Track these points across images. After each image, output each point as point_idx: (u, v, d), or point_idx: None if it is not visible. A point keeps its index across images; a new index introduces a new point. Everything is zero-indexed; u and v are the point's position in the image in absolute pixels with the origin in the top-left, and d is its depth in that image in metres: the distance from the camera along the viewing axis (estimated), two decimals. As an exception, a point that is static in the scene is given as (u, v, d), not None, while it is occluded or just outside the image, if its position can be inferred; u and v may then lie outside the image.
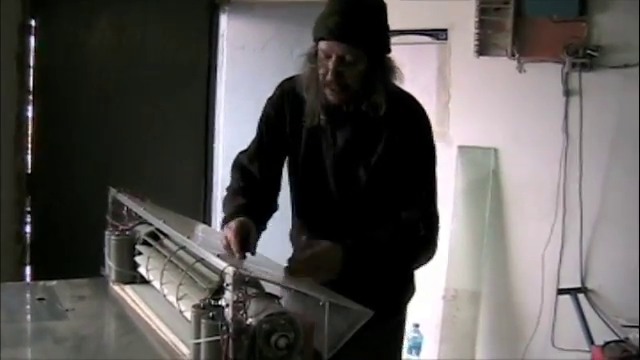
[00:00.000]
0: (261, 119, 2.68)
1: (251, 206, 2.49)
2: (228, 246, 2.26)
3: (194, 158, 5.34)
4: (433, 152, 2.54)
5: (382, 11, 2.46)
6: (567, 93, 4.66)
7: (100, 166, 4.95)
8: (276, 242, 2.66)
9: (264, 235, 2.56)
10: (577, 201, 4.64)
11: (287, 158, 2.69)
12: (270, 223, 2.64)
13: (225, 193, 2.64)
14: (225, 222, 2.42)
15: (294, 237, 2.75)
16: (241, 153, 2.73)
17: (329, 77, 2.36)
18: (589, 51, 4.54)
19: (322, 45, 2.38)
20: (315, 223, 2.64)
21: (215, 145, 5.48)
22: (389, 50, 2.47)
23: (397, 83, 2.51)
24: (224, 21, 5.55)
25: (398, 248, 2.43)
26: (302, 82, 2.49)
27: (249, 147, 2.71)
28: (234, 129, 5.27)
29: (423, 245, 2.47)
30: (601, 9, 4.56)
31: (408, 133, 2.48)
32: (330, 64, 2.36)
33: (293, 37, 5.15)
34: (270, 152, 2.65)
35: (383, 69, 2.43)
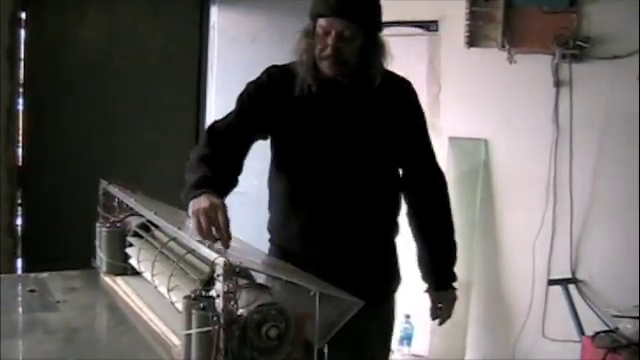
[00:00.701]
0: (241, 95, 2.68)
1: (215, 177, 2.41)
2: (209, 227, 2.14)
3: (185, 149, 5.29)
4: (425, 120, 2.80)
5: None
6: (557, 84, 4.68)
7: (91, 158, 4.94)
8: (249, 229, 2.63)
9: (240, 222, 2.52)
10: (567, 192, 4.66)
11: (273, 142, 2.71)
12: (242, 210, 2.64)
13: (192, 156, 2.55)
14: (193, 190, 2.30)
15: (275, 227, 2.75)
16: (216, 122, 2.69)
17: (328, 51, 2.49)
18: (579, 42, 4.56)
19: (321, 22, 2.49)
20: (311, 200, 2.63)
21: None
22: (381, 28, 2.61)
23: (386, 62, 2.65)
24: (215, 13, 5.54)
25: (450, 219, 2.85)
26: (297, 56, 2.59)
27: (224, 117, 2.68)
28: (225, 120, 5.26)
29: (449, 199, 2.88)
30: (591, 0, 4.56)
31: (405, 103, 2.71)
32: (329, 40, 2.48)
33: (284, 29, 5.12)
34: (243, 128, 2.61)
35: (377, 45, 2.57)
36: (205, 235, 2.11)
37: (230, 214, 2.18)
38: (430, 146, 2.82)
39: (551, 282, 4.69)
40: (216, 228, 2.12)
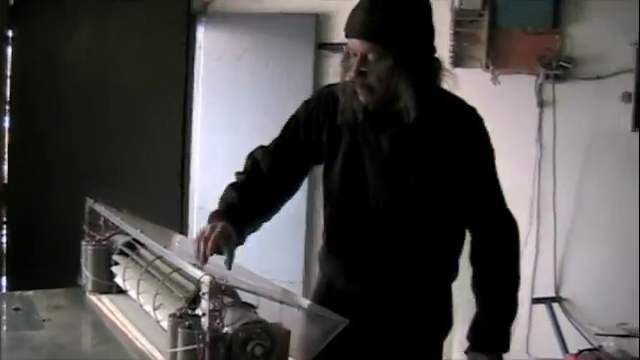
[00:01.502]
0: (290, 119, 2.52)
1: (244, 205, 2.35)
2: (200, 244, 2.16)
3: (171, 168, 5.34)
4: (493, 157, 2.47)
5: (415, 8, 2.29)
6: (541, 104, 4.72)
7: (76, 176, 4.94)
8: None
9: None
10: (551, 211, 4.70)
11: (323, 170, 2.53)
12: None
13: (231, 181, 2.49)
14: (212, 216, 2.30)
15: (323, 259, 2.60)
16: (260, 147, 2.54)
17: (353, 76, 2.26)
18: (562, 63, 4.61)
19: (349, 43, 2.28)
20: (352, 238, 2.47)
21: (192, 155, 5.50)
22: (426, 50, 2.32)
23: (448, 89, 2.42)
24: (201, 32, 5.57)
25: (514, 276, 2.48)
26: (337, 85, 2.39)
27: (270, 143, 2.53)
28: (210, 139, 5.29)
29: (517, 249, 2.51)
30: (574, 21, 4.63)
31: (466, 140, 2.39)
32: (354, 62, 2.25)
33: (269, 48, 5.18)
34: (289, 152, 2.48)
35: (413, 70, 2.25)
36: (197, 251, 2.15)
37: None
38: (496, 189, 2.48)
39: (535, 301, 4.71)
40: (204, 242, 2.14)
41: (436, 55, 2.36)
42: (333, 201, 2.51)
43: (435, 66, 2.35)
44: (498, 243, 2.46)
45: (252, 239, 2.39)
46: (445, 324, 2.57)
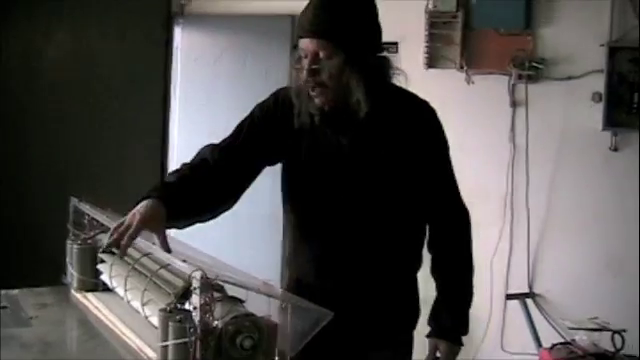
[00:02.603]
0: (245, 120, 2.51)
1: (181, 189, 2.28)
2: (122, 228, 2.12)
3: (150, 167, 5.36)
4: (447, 148, 2.55)
5: (362, 7, 2.33)
6: (514, 104, 4.80)
7: (58, 175, 4.96)
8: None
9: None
10: (524, 208, 4.77)
11: (284, 172, 2.54)
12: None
13: None
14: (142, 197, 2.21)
15: (291, 256, 2.61)
16: (209, 145, 2.50)
17: (305, 76, 2.27)
18: (534, 63, 4.69)
19: (300, 44, 2.29)
20: (319, 235, 2.48)
21: (171, 153, 5.52)
22: (375, 47, 2.36)
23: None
24: (178, 33, 5.60)
25: (468, 264, 2.60)
26: (292, 86, 2.40)
27: (221, 141, 2.50)
28: (188, 139, 5.31)
29: (470, 236, 2.61)
30: (546, 23, 4.71)
31: (421, 133, 2.44)
32: (306, 63, 2.27)
33: (246, 49, 5.22)
34: (241, 151, 2.44)
35: (363, 67, 2.28)
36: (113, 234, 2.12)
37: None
38: (451, 179, 2.56)
39: (509, 297, 4.79)
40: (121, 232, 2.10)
41: (385, 54, 2.41)
42: (298, 202, 2.52)
43: (384, 63, 2.39)
44: (453, 231, 2.57)
45: (228, 238, 2.38)
46: (413, 314, 2.61)
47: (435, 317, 2.54)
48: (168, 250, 2.15)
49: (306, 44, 2.27)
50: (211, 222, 2.44)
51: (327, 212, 2.45)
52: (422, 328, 2.60)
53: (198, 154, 2.47)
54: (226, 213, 2.45)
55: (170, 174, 2.42)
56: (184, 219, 2.32)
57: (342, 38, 2.24)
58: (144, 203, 2.16)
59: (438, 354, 2.56)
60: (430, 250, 2.57)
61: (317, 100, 2.32)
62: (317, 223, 2.48)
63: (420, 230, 2.56)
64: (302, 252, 2.54)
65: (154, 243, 2.23)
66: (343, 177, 2.41)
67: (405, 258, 2.54)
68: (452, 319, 2.54)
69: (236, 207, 2.46)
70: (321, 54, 2.25)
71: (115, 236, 2.12)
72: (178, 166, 2.44)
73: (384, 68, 2.38)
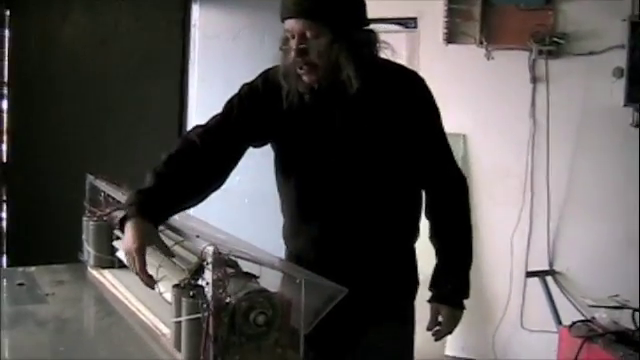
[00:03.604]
0: (232, 99, 2.50)
1: (162, 190, 2.27)
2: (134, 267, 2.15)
3: (168, 145, 5.35)
4: (439, 115, 2.53)
5: None
6: (534, 80, 4.76)
7: (75, 154, 4.96)
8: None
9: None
10: (544, 186, 4.74)
11: (273, 150, 2.55)
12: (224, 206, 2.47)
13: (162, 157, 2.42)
14: (128, 208, 2.22)
15: (289, 232, 2.60)
16: (197, 126, 2.52)
17: (294, 56, 2.28)
18: (555, 39, 4.64)
19: (286, 25, 2.30)
20: (322, 209, 2.46)
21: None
22: (361, 23, 2.37)
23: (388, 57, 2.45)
24: (196, 11, 5.58)
25: (467, 229, 2.60)
26: (279, 69, 2.38)
27: (208, 122, 2.51)
28: (205, 116, 5.26)
29: (467, 201, 2.62)
30: (567, -3, 4.65)
31: (412, 101, 2.43)
32: (293, 43, 2.28)
33: (264, 26, 5.19)
34: (230, 130, 2.44)
35: (351, 42, 2.29)
36: (138, 274, 2.14)
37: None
38: (445, 146, 2.55)
39: (529, 274, 4.77)
40: (135, 272, 2.14)
41: (370, 27, 2.40)
42: (294, 182, 2.51)
43: (371, 37, 2.39)
44: (450, 197, 2.57)
45: (228, 218, 2.37)
46: (412, 284, 2.62)
47: (435, 282, 2.56)
48: (171, 255, 2.17)
49: (292, 25, 2.28)
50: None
51: (324, 190, 2.45)
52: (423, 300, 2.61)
53: (185, 136, 2.49)
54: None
55: (158, 170, 2.35)
56: (175, 212, 2.32)
57: (327, 16, 2.26)
58: (129, 226, 2.16)
59: (440, 319, 2.58)
60: (428, 217, 2.58)
61: (306, 78, 2.32)
62: (315, 202, 2.48)
63: (416, 200, 2.56)
64: (301, 230, 2.53)
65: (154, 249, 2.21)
66: (338, 153, 2.40)
67: (403, 229, 2.56)
68: (452, 284, 2.55)
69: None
70: (308, 34, 2.26)
71: (135, 273, 2.15)
72: (164, 156, 2.40)
73: (371, 42, 2.39)
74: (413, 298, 2.62)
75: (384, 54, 2.44)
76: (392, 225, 2.49)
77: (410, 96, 2.44)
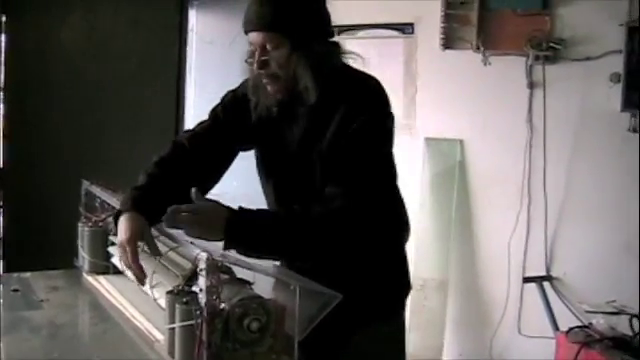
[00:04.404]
0: (217, 105, 2.60)
1: (153, 188, 2.36)
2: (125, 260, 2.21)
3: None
4: (374, 128, 2.34)
5: None
6: (531, 85, 4.75)
7: (71, 159, 4.97)
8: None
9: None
10: (541, 191, 4.73)
11: (255, 158, 2.60)
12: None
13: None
14: (121, 205, 2.33)
15: None
16: (185, 131, 2.64)
17: (256, 68, 2.33)
18: (552, 44, 4.63)
19: (249, 38, 2.35)
20: None
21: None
22: (321, 34, 2.37)
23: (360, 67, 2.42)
24: (193, 16, 5.58)
25: (300, 224, 2.23)
26: (248, 82, 2.45)
27: (195, 126, 2.61)
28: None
29: (337, 220, 2.23)
30: (564, 2, 4.65)
31: (352, 112, 2.31)
32: (256, 55, 2.32)
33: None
34: (216, 136, 2.52)
35: (310, 53, 2.31)
36: (128, 268, 2.23)
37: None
38: (363, 162, 2.30)
39: (526, 280, 4.76)
40: (127, 266, 2.20)
41: (334, 39, 2.41)
42: (266, 190, 2.57)
43: (333, 48, 2.39)
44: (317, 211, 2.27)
45: None
46: (399, 286, 2.58)
47: (242, 210, 2.22)
48: (159, 254, 2.24)
49: (254, 37, 2.32)
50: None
51: (294, 196, 2.44)
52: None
53: (175, 140, 2.58)
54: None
55: (149, 171, 2.45)
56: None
57: (286, 28, 2.29)
58: (122, 219, 2.25)
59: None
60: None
61: (270, 89, 2.36)
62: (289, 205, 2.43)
63: (393, 202, 2.51)
64: None
65: (143, 249, 2.26)
66: (298, 162, 2.42)
67: (382, 230, 2.41)
68: (250, 223, 2.19)
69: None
70: (268, 46, 2.30)
71: (127, 266, 2.23)
72: (155, 159, 2.51)
73: (333, 53, 2.39)
74: (401, 299, 2.60)
75: (355, 64, 2.45)
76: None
77: (350, 108, 2.33)
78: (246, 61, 2.38)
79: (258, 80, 2.37)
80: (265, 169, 2.57)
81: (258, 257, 2.15)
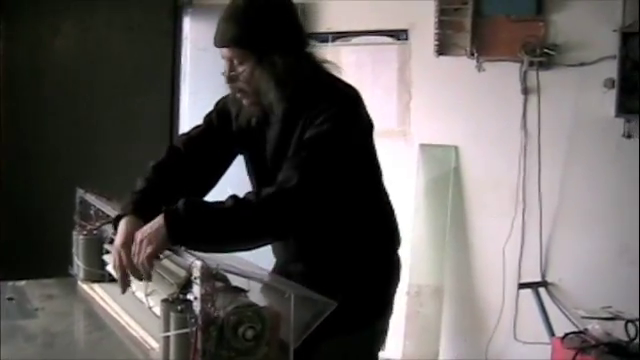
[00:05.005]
0: (211, 112, 2.67)
1: (153, 190, 2.45)
2: (126, 263, 2.21)
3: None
4: (333, 127, 2.31)
5: (270, 10, 2.38)
6: (525, 91, 4.76)
7: (66, 167, 4.96)
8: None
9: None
10: (536, 197, 4.74)
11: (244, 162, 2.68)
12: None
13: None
14: (121, 209, 2.39)
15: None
16: (181, 134, 2.74)
17: (226, 82, 2.40)
18: (546, 50, 4.64)
19: (220, 54, 2.41)
20: None
21: (178, 145, 5.53)
22: (289, 46, 2.38)
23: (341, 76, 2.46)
24: (187, 23, 5.59)
25: (245, 205, 2.19)
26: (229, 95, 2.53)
27: (190, 130, 2.70)
28: (197, 130, 5.29)
29: (253, 214, 2.19)
30: (558, 8, 4.66)
31: (314, 115, 2.33)
32: (226, 70, 2.39)
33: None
34: (210, 139, 2.60)
35: (275, 67, 2.33)
36: (119, 272, 2.24)
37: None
38: (306, 165, 2.27)
39: (521, 285, 4.76)
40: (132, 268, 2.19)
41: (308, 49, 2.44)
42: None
43: (302, 60, 2.40)
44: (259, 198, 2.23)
45: None
46: (372, 297, 2.55)
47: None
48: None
49: (223, 53, 2.38)
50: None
51: None
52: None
53: (170, 145, 2.67)
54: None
55: (146, 175, 2.55)
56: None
57: (249, 44, 2.33)
58: (122, 223, 2.31)
59: None
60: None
61: (245, 103, 2.43)
62: None
63: (368, 212, 2.52)
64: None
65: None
66: (274, 170, 2.40)
67: (353, 239, 2.49)
68: (187, 209, 2.16)
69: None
70: (235, 61, 2.36)
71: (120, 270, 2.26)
72: (152, 163, 2.61)
73: (299, 65, 2.39)
74: (377, 310, 2.57)
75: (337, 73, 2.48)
76: (346, 237, 2.47)
77: (314, 111, 2.35)
78: (222, 74, 2.42)
79: (234, 93, 2.44)
80: (250, 174, 2.64)
81: (214, 246, 2.15)
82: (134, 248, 2.16)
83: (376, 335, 2.60)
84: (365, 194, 2.50)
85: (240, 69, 2.34)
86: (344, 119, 2.34)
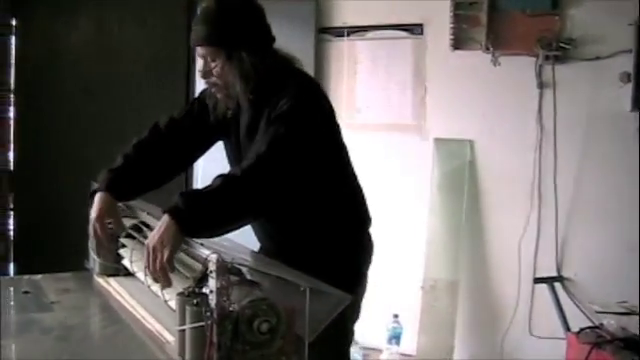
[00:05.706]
0: (195, 98, 2.92)
1: (130, 166, 2.76)
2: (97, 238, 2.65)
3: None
4: (290, 113, 2.49)
5: (239, 11, 2.58)
6: (541, 85, 4.75)
7: (82, 162, 4.94)
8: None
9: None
10: (552, 191, 4.72)
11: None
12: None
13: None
14: (97, 185, 2.72)
15: None
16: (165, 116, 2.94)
17: (200, 77, 2.65)
18: (562, 44, 4.63)
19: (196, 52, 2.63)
20: None
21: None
22: (256, 44, 2.58)
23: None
24: (201, 17, 5.59)
25: (232, 180, 2.34)
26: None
27: (175, 112, 2.92)
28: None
29: (242, 183, 2.34)
30: (573, 3, 4.65)
31: (277, 101, 2.53)
32: (201, 66, 2.63)
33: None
34: (190, 123, 2.84)
35: (243, 63, 2.55)
36: (95, 240, 2.69)
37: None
38: (274, 145, 2.43)
39: (537, 280, 4.75)
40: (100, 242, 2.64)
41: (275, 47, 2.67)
42: None
43: (267, 56, 2.61)
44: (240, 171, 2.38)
45: None
46: (348, 276, 2.55)
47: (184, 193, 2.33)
48: (123, 230, 2.69)
49: (198, 51, 2.61)
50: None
51: None
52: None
53: (154, 124, 2.92)
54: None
55: (123, 153, 2.86)
56: (139, 192, 2.80)
57: (220, 42, 2.55)
58: (95, 199, 2.67)
59: None
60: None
61: (219, 97, 2.67)
62: None
63: (336, 192, 2.72)
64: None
65: (110, 227, 2.66)
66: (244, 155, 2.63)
67: (326, 219, 2.71)
68: (186, 201, 2.25)
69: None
70: (208, 58, 2.58)
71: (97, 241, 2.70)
72: (134, 141, 2.90)
73: (264, 61, 2.59)
74: (345, 286, 2.35)
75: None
76: (315, 216, 2.69)
77: (278, 98, 2.55)
78: (198, 71, 2.66)
79: (210, 87, 2.68)
80: (229, 159, 2.87)
81: (223, 225, 2.33)
82: (150, 257, 2.22)
83: (347, 309, 2.56)
84: (331, 174, 2.70)
85: (213, 65, 2.57)
86: (304, 99, 2.57)
